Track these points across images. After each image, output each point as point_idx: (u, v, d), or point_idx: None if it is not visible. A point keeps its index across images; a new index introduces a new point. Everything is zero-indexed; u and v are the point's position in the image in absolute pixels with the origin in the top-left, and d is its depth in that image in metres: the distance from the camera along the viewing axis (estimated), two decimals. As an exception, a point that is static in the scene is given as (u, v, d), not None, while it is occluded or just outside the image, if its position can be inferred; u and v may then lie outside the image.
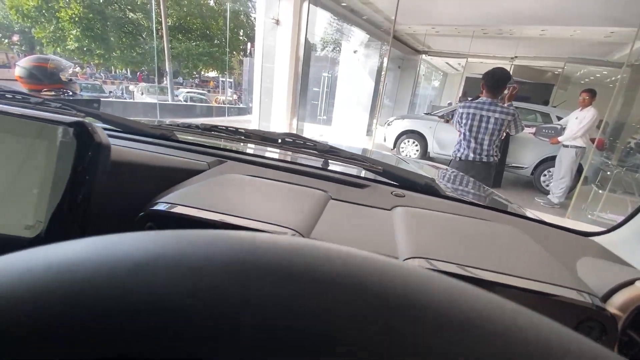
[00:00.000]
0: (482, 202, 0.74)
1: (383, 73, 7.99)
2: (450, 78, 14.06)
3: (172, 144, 0.66)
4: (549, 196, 4.32)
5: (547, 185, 4.64)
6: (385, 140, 6.49)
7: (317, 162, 0.72)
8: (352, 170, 0.71)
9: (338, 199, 0.56)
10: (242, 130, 0.70)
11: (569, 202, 4.04)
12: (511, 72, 7.72)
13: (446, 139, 5.43)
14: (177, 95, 12.08)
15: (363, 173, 0.72)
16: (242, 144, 0.82)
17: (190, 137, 0.74)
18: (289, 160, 0.76)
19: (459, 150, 2.26)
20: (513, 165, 4.99)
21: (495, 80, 2.05)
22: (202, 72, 17.83)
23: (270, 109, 6.11)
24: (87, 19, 11.53)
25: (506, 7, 5.48)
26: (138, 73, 15.12)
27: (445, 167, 1.60)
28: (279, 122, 6.02)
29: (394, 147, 6.29)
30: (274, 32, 5.78)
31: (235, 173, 0.57)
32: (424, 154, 5.90)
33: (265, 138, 0.69)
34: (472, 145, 2.16)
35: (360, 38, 8.53)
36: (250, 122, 7.14)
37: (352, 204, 0.54)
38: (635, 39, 4.13)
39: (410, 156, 6.03)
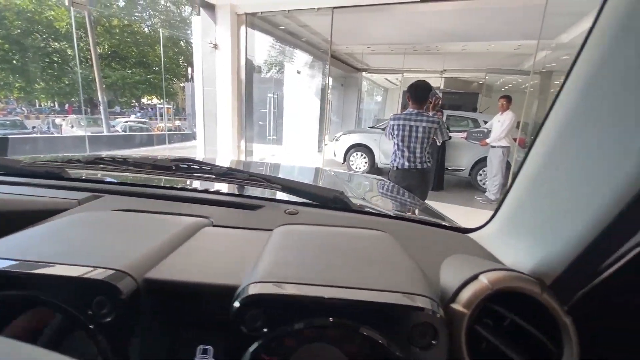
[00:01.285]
0: (379, 210, 0.75)
1: (328, 91, 8.26)
2: (390, 93, 14.97)
3: (45, 182, 0.58)
4: (486, 193, 4.69)
5: (484, 184, 5.05)
6: (335, 155, 6.62)
7: (214, 186, 0.69)
8: (256, 191, 0.69)
9: (220, 224, 0.54)
10: (131, 160, 0.64)
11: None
12: (442, 84, 8.37)
13: (390, 150, 5.69)
14: (113, 126, 11.27)
15: (260, 192, 0.71)
16: (131, 174, 0.75)
17: (73, 172, 0.66)
18: (180, 187, 0.73)
19: (395, 160, 2.36)
20: (452, 168, 5.37)
21: (419, 92, 2.19)
22: (143, 100, 16.98)
23: (216, 133, 5.94)
24: (4, 50, 10.47)
25: (430, 27, 6.03)
26: (67, 105, 13.93)
27: (376, 177, 1.64)
28: (226, 146, 5.87)
29: (344, 161, 6.44)
30: (213, 56, 5.71)
31: (109, 208, 0.51)
32: (372, 165, 6.11)
33: (157, 166, 0.64)
34: (406, 154, 2.27)
35: (303, 59, 8.78)
36: (195, 147, 6.86)
37: (234, 229, 0.53)
38: (537, 50, 4.77)
39: (359, 168, 6.21)
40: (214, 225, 0.54)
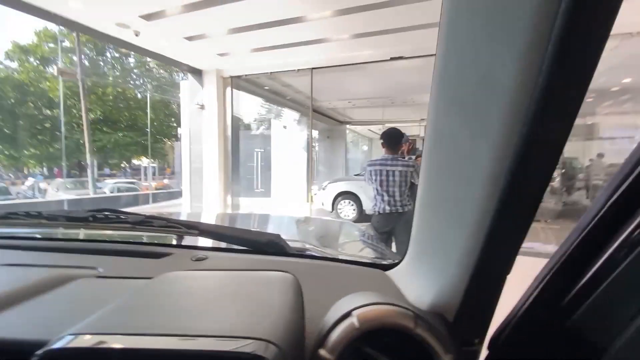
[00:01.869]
0: (319, 252, 0.73)
1: (314, 144, 8.54)
2: (375, 142, 15.62)
3: None
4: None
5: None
6: (323, 204, 6.61)
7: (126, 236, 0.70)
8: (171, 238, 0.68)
9: (108, 275, 0.52)
10: (45, 214, 0.63)
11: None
12: (421, 132, 8.79)
13: (377, 196, 5.76)
14: (100, 187, 11.20)
15: (176, 240, 0.70)
16: (44, 229, 0.75)
17: None
18: (82, 238, 0.73)
19: (376, 205, 2.36)
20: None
21: (391, 139, 2.28)
22: (134, 161, 17.19)
23: (202, 189, 5.94)
24: (-6, 118, 10.74)
25: (403, 81, 6.52)
26: (55, 169, 13.96)
27: (347, 222, 1.64)
28: (212, 201, 5.83)
29: (332, 209, 6.41)
30: (200, 116, 5.95)
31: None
32: (361, 212, 6.09)
33: (71, 218, 0.63)
34: (386, 198, 2.28)
35: (289, 115, 9.22)
36: (181, 205, 6.79)
37: (120, 279, 0.52)
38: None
39: (347, 216, 6.17)
40: (99, 277, 0.52)
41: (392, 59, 4.90)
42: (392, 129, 2.35)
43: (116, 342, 0.31)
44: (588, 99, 6.87)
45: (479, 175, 0.29)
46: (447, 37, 0.30)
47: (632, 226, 0.28)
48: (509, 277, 0.34)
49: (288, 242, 0.64)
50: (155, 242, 0.70)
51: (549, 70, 0.23)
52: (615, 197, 0.29)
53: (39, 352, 0.30)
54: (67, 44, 11.17)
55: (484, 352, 0.39)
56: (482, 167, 0.29)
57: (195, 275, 0.49)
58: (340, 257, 0.79)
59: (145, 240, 0.74)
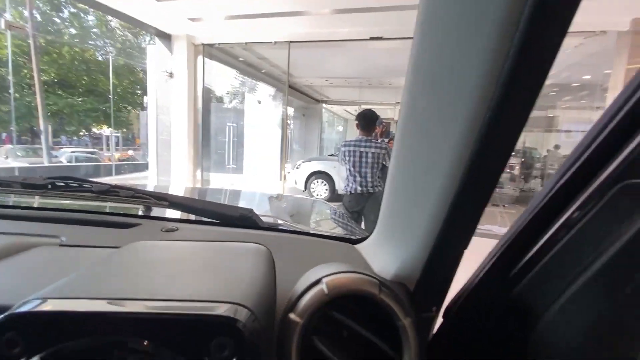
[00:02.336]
0: (289, 227, 0.75)
1: (289, 121, 8.40)
2: (350, 123, 15.65)
3: None
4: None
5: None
6: (296, 183, 6.62)
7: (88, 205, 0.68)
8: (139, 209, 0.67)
9: (71, 244, 0.52)
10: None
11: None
12: (396, 115, 8.90)
13: (350, 177, 5.85)
14: (56, 156, 10.40)
15: (144, 211, 0.69)
16: None
17: None
18: (44, 207, 0.70)
19: (348, 185, 2.40)
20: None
21: (366, 121, 2.30)
22: (95, 130, 16.02)
23: (170, 162, 5.70)
24: None
25: (381, 63, 6.50)
26: (4, 134, 12.73)
27: (317, 200, 1.68)
28: (181, 175, 5.63)
29: (305, 188, 6.44)
30: (168, 85, 5.61)
31: None
32: (333, 192, 6.17)
33: (27, 185, 0.59)
34: (358, 179, 2.32)
35: (263, 90, 8.94)
36: (147, 178, 6.50)
37: (84, 247, 0.51)
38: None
39: (320, 195, 6.23)
40: (62, 245, 0.51)
41: (371, 38, 4.84)
42: (368, 110, 2.36)
43: (83, 306, 0.30)
44: (551, 92, 7.28)
45: (443, 160, 0.31)
46: (423, 24, 0.30)
47: (571, 210, 0.31)
48: (466, 255, 0.37)
49: (261, 217, 0.65)
50: (122, 212, 0.68)
51: (512, 63, 0.24)
52: (559, 184, 0.32)
53: (2, 316, 0.28)
54: (14, -7, 9.89)
55: (440, 320, 0.43)
56: (446, 153, 0.30)
57: (166, 244, 0.48)
58: (312, 232, 0.80)
59: (110, 210, 0.72)
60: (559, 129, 7.90)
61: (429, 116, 0.32)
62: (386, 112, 9.50)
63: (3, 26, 4.10)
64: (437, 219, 0.33)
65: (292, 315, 0.36)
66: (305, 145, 11.86)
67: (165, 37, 5.49)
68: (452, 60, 0.28)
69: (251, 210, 0.62)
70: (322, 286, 0.37)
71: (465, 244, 0.35)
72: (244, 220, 0.61)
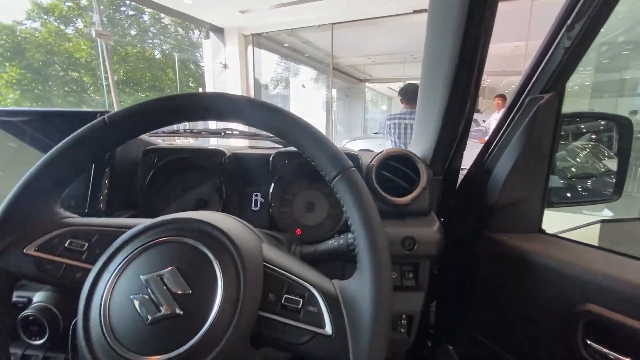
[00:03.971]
0: None
1: (333, 103, 8.58)
2: (395, 101, 15.29)
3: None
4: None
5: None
6: (342, 162, 6.86)
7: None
8: None
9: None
10: (204, 132, 0.94)
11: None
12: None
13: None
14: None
15: None
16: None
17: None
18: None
19: (395, 156, 2.60)
20: (456, 168, 5.54)
21: (409, 94, 2.45)
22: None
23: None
24: (26, 79, 11.19)
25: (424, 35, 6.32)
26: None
27: None
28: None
29: (351, 167, 6.67)
30: (223, 76, 6.11)
31: None
32: (379, 170, 6.31)
33: (212, 132, 0.92)
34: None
35: (307, 73, 9.19)
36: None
37: None
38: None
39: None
40: None
41: (415, 11, 4.79)
42: (410, 84, 2.51)
43: None
44: (624, 52, 6.47)
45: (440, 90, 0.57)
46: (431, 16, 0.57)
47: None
48: None
49: None
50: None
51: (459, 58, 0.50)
52: None
53: None
54: (83, 1, 11.14)
55: None
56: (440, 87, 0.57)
57: None
58: None
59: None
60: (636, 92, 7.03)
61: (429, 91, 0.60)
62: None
63: (94, 35, 4.81)
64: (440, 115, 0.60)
65: (371, 163, 0.63)
66: (349, 126, 11.98)
67: (219, 31, 5.96)
68: (441, 51, 0.55)
69: None
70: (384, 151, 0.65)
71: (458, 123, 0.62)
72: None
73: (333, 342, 0.30)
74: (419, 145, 0.70)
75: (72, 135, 0.37)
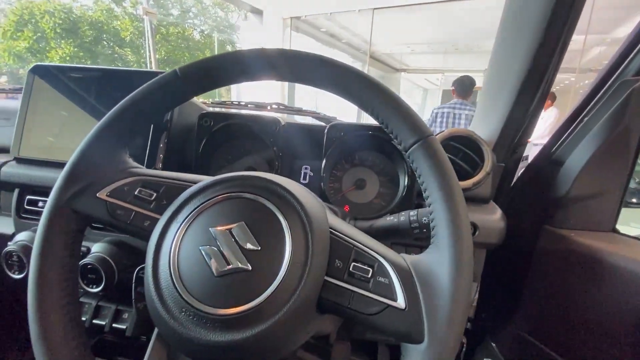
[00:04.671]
0: None
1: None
2: (430, 93, 14.75)
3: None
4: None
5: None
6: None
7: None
8: None
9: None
10: (250, 104, 0.94)
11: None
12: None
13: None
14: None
15: None
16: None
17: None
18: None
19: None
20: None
21: (464, 85, 2.40)
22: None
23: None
24: (78, 57, 11.88)
25: (470, 25, 5.99)
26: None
27: None
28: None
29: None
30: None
31: None
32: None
33: (259, 105, 0.92)
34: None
35: (343, 60, 9.04)
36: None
37: None
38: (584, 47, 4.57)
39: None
40: None
41: (463, -2, 4.53)
42: (466, 76, 2.48)
43: None
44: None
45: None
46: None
47: None
48: None
49: None
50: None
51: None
52: None
53: None
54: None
55: None
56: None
57: None
58: None
59: None
60: None
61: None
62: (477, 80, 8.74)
63: (141, 12, 4.98)
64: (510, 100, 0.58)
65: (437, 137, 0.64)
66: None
67: (258, 13, 5.96)
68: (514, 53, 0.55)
69: None
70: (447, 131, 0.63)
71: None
72: None
73: (406, 316, 0.28)
74: (482, 128, 0.66)
75: (144, 85, 0.37)
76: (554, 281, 0.57)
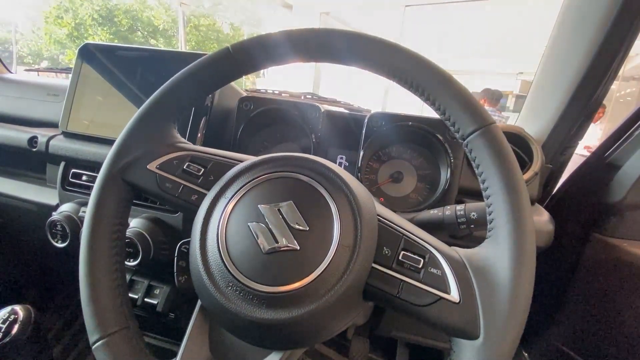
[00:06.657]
0: None
1: (389, 91, 8.28)
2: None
3: None
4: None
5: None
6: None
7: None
8: None
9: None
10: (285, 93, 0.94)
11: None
12: (518, 88, 7.85)
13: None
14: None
15: None
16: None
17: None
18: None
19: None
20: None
21: (494, 96, 2.60)
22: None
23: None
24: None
25: (502, 26, 5.75)
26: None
27: None
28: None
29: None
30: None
31: None
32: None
33: (292, 94, 0.91)
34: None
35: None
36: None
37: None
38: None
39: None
40: None
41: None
42: (495, 90, 2.66)
43: None
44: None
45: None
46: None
47: None
48: None
49: None
50: None
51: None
52: None
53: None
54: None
55: None
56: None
57: None
58: None
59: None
60: None
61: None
62: (505, 83, 8.43)
63: (177, 2, 5.11)
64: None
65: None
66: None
67: (287, 7, 5.97)
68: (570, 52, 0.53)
69: None
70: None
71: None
72: None
73: (460, 310, 0.27)
74: (531, 125, 0.63)
75: (196, 61, 0.37)
76: (600, 292, 0.54)
